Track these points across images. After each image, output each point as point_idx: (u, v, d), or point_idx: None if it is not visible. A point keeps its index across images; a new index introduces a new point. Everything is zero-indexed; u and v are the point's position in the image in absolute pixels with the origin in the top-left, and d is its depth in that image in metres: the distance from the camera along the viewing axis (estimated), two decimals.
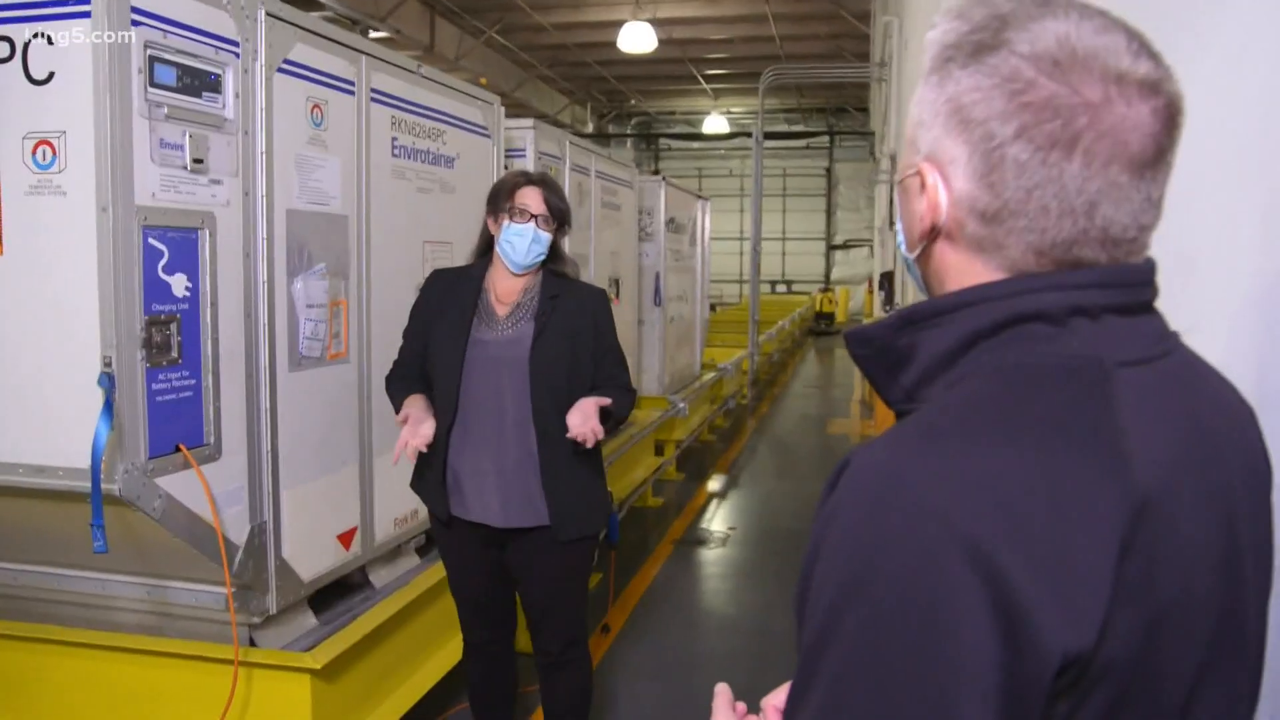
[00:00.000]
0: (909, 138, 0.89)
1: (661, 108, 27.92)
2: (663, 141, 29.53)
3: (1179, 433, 0.78)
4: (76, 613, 2.69)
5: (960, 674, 0.66)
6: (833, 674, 0.71)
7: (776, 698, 1.14)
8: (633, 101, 26.65)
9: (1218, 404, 0.86)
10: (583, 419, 2.54)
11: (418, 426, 2.58)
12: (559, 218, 2.77)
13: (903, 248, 0.94)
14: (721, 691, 1.08)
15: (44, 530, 2.51)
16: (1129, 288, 0.81)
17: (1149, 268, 0.83)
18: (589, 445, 2.57)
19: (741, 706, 1.07)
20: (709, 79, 22.67)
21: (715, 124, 26.09)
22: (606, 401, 2.61)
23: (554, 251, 2.80)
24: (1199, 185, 1.29)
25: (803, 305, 22.25)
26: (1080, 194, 0.76)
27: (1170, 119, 0.78)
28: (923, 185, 0.85)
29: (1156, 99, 0.77)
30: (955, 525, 0.68)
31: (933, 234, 0.86)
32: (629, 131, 28.88)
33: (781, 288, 28.30)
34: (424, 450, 2.60)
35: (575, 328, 2.73)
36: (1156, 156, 0.78)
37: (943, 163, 0.83)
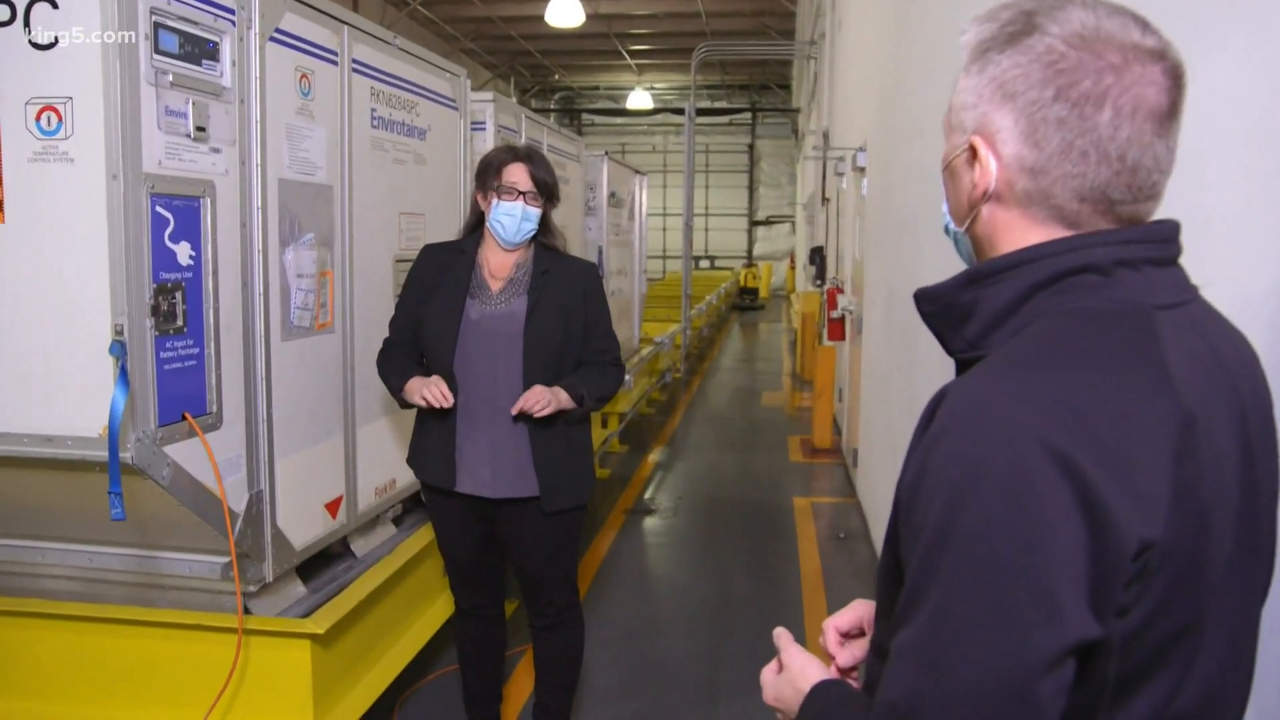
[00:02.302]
0: (951, 125, 1.03)
1: (585, 83, 27.82)
2: (585, 117, 29.42)
3: (1206, 363, 0.94)
4: (65, 585, 2.67)
5: (1056, 557, 0.80)
6: (950, 568, 0.83)
7: (838, 619, 1.25)
8: (556, 76, 26.49)
9: (1231, 342, 1.01)
10: (533, 399, 2.65)
11: (435, 385, 2.66)
12: (546, 192, 2.81)
13: (949, 224, 1.08)
14: (782, 632, 1.19)
15: (33, 504, 2.48)
16: (1162, 243, 0.96)
17: (1175, 226, 0.98)
18: (537, 413, 2.67)
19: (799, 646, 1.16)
20: (634, 54, 22.66)
21: (639, 99, 26.08)
22: (567, 405, 2.73)
23: (543, 224, 2.84)
24: (1211, 169, 1.41)
25: (727, 280, 22.48)
26: (1113, 140, 0.91)
27: (1177, 78, 0.93)
28: (973, 157, 0.99)
29: (1165, 62, 0.92)
30: (1041, 435, 0.82)
31: (982, 199, 0.99)
32: (553, 106, 28.70)
33: (705, 263, 28.52)
34: (446, 405, 2.68)
35: (567, 302, 2.79)
36: (1171, 109, 0.93)
37: (990, 134, 0.97)
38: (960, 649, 0.81)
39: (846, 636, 1.24)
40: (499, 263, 2.83)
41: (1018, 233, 0.98)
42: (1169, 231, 0.97)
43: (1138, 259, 0.94)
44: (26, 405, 2.20)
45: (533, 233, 2.81)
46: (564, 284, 2.81)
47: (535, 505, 2.78)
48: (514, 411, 2.66)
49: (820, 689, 1.05)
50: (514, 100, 22.55)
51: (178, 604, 2.65)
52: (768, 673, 1.16)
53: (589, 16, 16.80)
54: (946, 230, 1.10)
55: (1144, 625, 0.86)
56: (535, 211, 2.79)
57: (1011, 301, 0.95)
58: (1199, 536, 0.87)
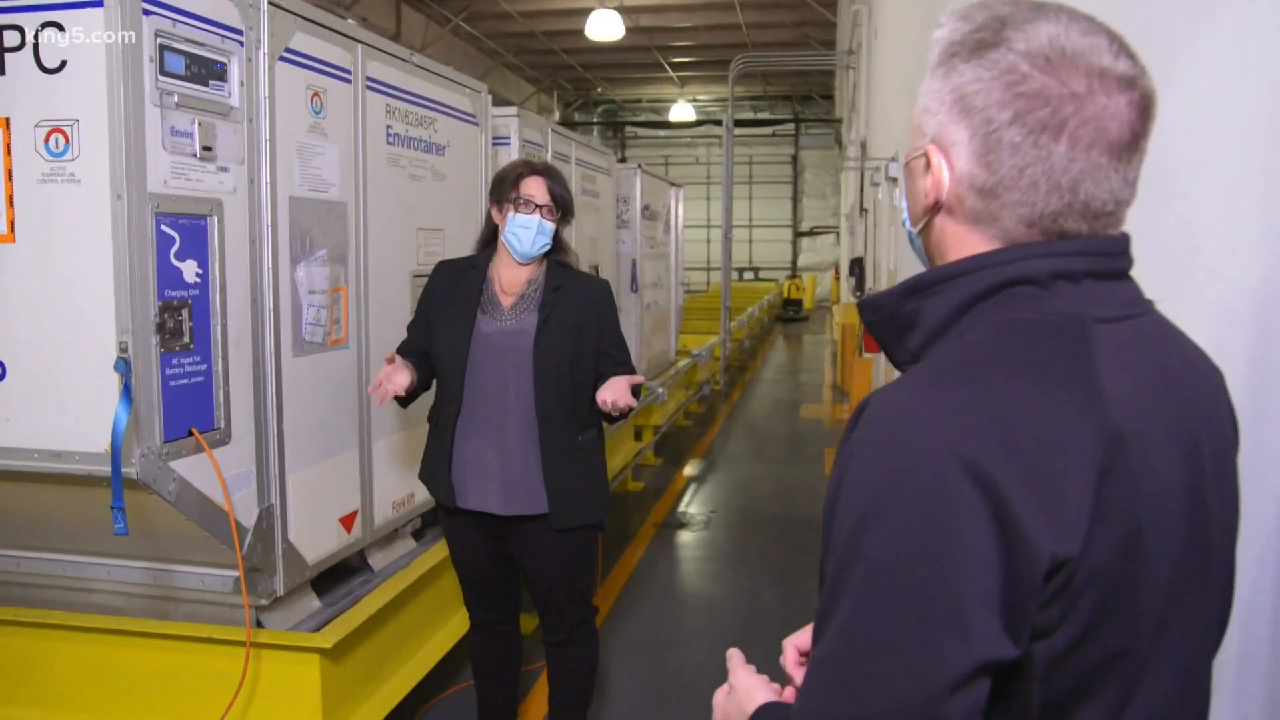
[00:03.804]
0: (915, 124, 1.00)
1: (628, 96, 27.91)
2: (629, 129, 29.50)
3: (1148, 378, 0.90)
4: (81, 598, 2.71)
5: (966, 573, 0.78)
6: (858, 586, 0.82)
7: (798, 638, 1.24)
8: (599, 89, 26.61)
9: (1185, 361, 0.98)
10: (614, 394, 2.62)
11: (395, 374, 2.66)
12: (563, 207, 2.81)
13: (906, 223, 1.06)
14: (735, 653, 1.18)
15: (50, 517, 2.53)
16: (1106, 256, 0.93)
17: (1124, 240, 0.95)
18: (617, 412, 2.66)
19: (753, 667, 1.15)
20: (675, 67, 22.70)
21: (681, 112, 26.12)
22: (639, 380, 2.71)
23: (556, 240, 2.84)
24: (1202, 177, 1.37)
25: (771, 292, 22.39)
26: (1066, 173, 0.88)
27: (1144, 110, 0.89)
28: (928, 165, 0.96)
29: (1133, 92, 0.88)
30: (958, 447, 0.80)
31: (935, 209, 0.98)
32: (596, 120, 28.84)
33: (749, 275, 28.44)
34: (400, 396, 2.70)
35: (579, 319, 2.78)
36: (1132, 142, 0.89)
37: (946, 145, 0.94)
38: (868, 668, 0.80)
39: (806, 655, 1.22)
40: (511, 278, 2.83)
41: (966, 247, 0.96)
42: (1113, 245, 0.94)
43: (1077, 271, 0.91)
44: (37, 421, 2.24)
45: (547, 247, 2.81)
46: (576, 301, 2.81)
47: (545, 522, 2.77)
48: (610, 408, 2.65)
49: (763, 711, 1.03)
50: (556, 114, 22.53)
51: (193, 617, 2.68)
52: (719, 695, 1.14)
53: (629, 30, 16.86)
54: (906, 229, 1.08)
55: (1071, 648, 0.83)
56: (550, 226, 2.80)
57: (951, 312, 0.93)
58: (1129, 559, 0.84)
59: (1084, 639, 0.83)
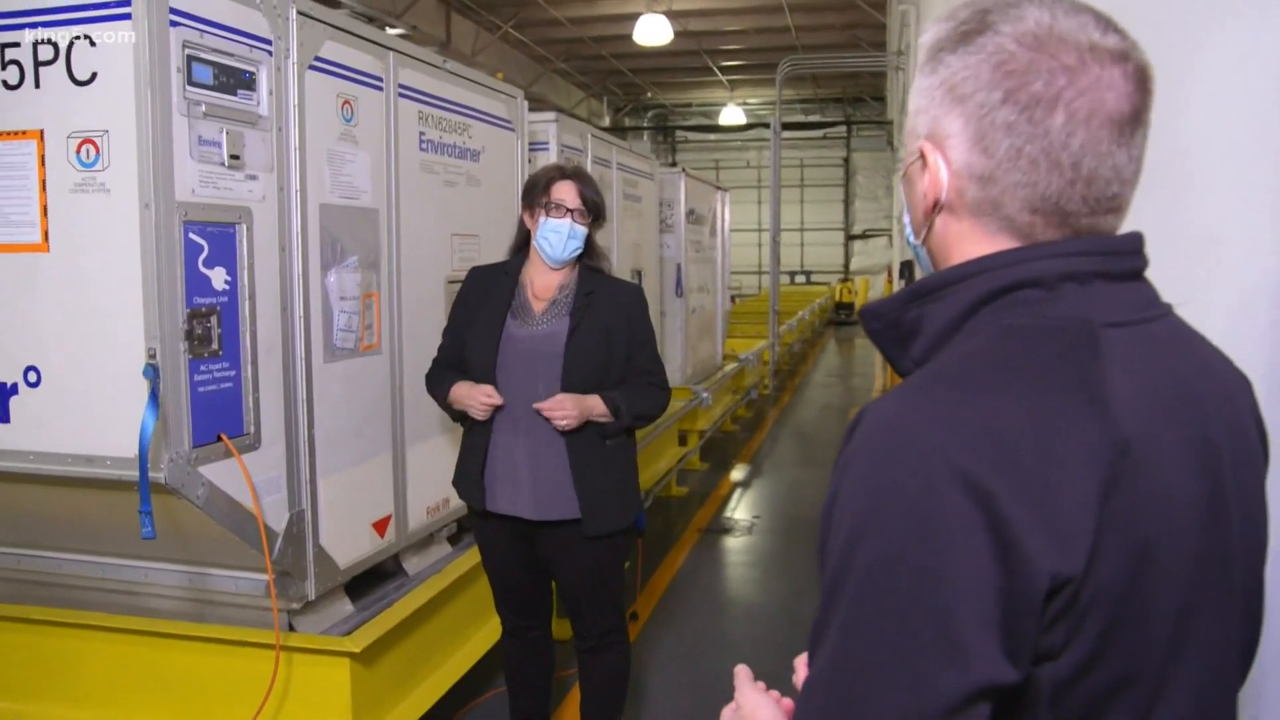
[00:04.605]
0: (908, 128, 0.97)
1: (678, 100, 27.89)
2: (679, 134, 29.48)
3: (1161, 386, 0.85)
4: (120, 599, 2.75)
5: (962, 592, 0.74)
6: (850, 603, 0.78)
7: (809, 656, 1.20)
8: (649, 94, 26.63)
9: (1204, 368, 0.92)
10: (556, 405, 2.64)
11: (479, 392, 2.70)
12: (594, 211, 2.81)
13: (910, 236, 1.02)
14: (742, 670, 1.14)
15: (89, 520, 2.57)
16: (1117, 256, 0.88)
17: (1136, 239, 0.90)
18: (556, 423, 2.66)
19: (761, 685, 1.12)
20: (725, 70, 22.63)
21: (732, 115, 26.03)
22: (599, 415, 2.70)
23: (588, 245, 2.84)
24: (1222, 175, 1.32)
25: (822, 296, 22.22)
26: (1065, 148, 0.84)
27: (1141, 81, 0.86)
28: (924, 164, 0.93)
29: (1126, 64, 0.85)
30: (953, 459, 0.75)
31: (936, 209, 0.94)
32: (645, 124, 28.86)
33: (801, 278, 28.23)
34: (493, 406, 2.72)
35: (610, 324, 2.77)
36: (1132, 115, 0.85)
37: (941, 139, 0.91)
38: (857, 692, 0.76)
39: None
40: (544, 284, 2.83)
41: (969, 246, 0.92)
42: (1126, 244, 0.89)
43: (1086, 272, 0.86)
44: (70, 426, 2.29)
45: (578, 251, 2.81)
46: (608, 306, 2.80)
47: (576, 528, 2.76)
48: (536, 408, 2.66)
49: None
50: (606, 119, 22.57)
51: (227, 620, 2.71)
52: (726, 712, 1.12)
53: (678, 34, 16.85)
54: (910, 243, 1.05)
55: (1079, 672, 0.79)
56: (582, 230, 2.79)
57: (955, 318, 0.89)
58: (1138, 576, 0.79)
59: (1092, 662, 0.79)
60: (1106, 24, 0.87)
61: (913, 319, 0.93)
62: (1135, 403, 0.81)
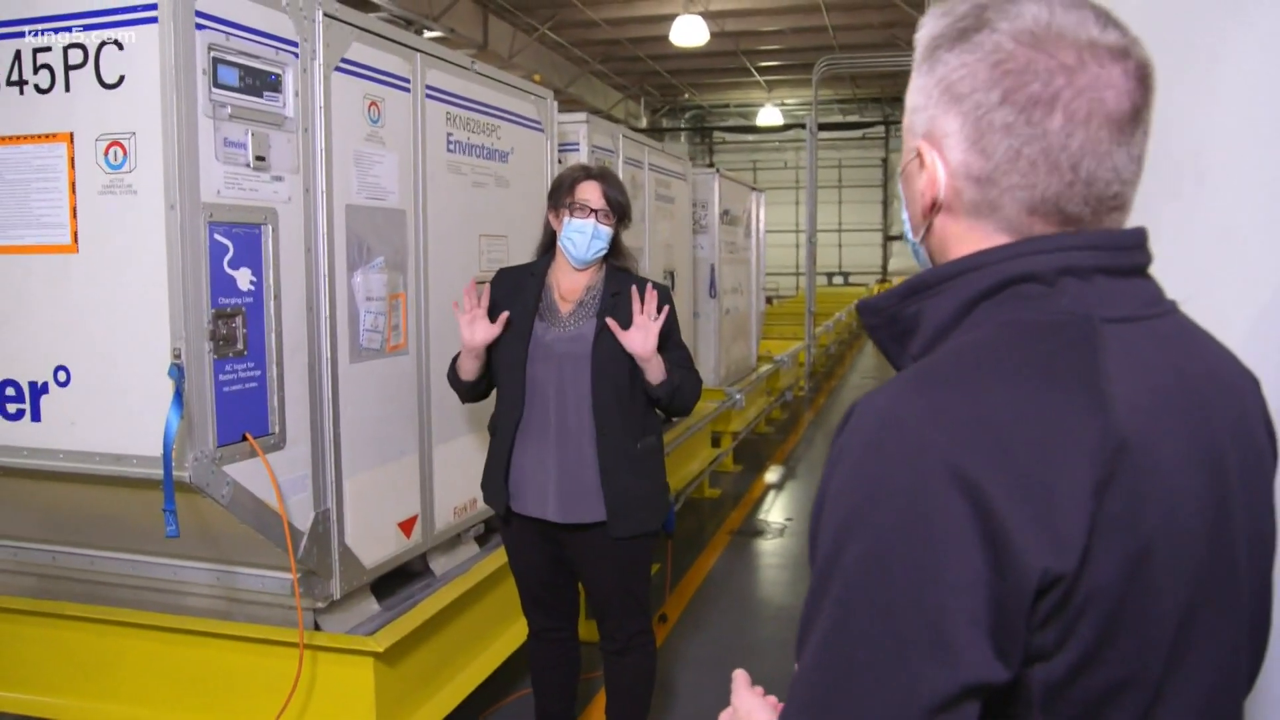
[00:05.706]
0: (906, 126, 0.96)
1: (715, 101, 27.83)
2: (717, 135, 29.44)
3: (1163, 384, 0.83)
4: (150, 597, 2.79)
5: (951, 590, 0.73)
6: (838, 598, 0.77)
7: None
8: (686, 95, 26.60)
9: (1209, 366, 0.90)
10: (645, 338, 2.65)
11: (465, 318, 2.73)
12: (619, 211, 2.80)
13: (908, 235, 1.00)
14: (739, 674, 1.14)
15: (120, 517, 2.60)
16: (1119, 250, 0.86)
17: (1139, 234, 0.88)
18: (636, 350, 2.67)
19: (759, 689, 1.12)
20: (762, 71, 22.55)
21: (769, 116, 25.93)
22: (659, 364, 2.71)
23: (614, 246, 2.83)
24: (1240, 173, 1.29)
25: (859, 297, 22.07)
26: (1064, 149, 0.83)
27: (1142, 79, 0.84)
28: (921, 163, 0.91)
29: (1127, 62, 0.83)
30: (944, 454, 0.74)
31: (934, 209, 0.92)
32: (683, 125, 28.83)
33: (838, 279, 28.11)
34: (468, 381, 2.78)
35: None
36: (1133, 114, 0.83)
37: (938, 139, 0.89)
38: (842, 689, 0.76)
39: None
40: (570, 285, 2.83)
41: (968, 246, 0.90)
42: (1127, 238, 0.87)
43: (1087, 267, 0.84)
44: (99, 425, 2.32)
45: (603, 251, 2.80)
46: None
47: (603, 530, 2.75)
48: (617, 332, 2.68)
49: None
50: (644, 120, 22.50)
51: (253, 617, 2.73)
52: (724, 717, 1.11)
53: (714, 35, 16.82)
54: (909, 242, 1.03)
55: (1073, 674, 0.77)
56: (607, 230, 2.78)
57: (954, 313, 0.87)
58: (1136, 578, 0.77)
59: (1087, 664, 0.77)
60: (1106, 19, 0.85)
61: (911, 314, 0.92)
62: (1136, 400, 0.80)
